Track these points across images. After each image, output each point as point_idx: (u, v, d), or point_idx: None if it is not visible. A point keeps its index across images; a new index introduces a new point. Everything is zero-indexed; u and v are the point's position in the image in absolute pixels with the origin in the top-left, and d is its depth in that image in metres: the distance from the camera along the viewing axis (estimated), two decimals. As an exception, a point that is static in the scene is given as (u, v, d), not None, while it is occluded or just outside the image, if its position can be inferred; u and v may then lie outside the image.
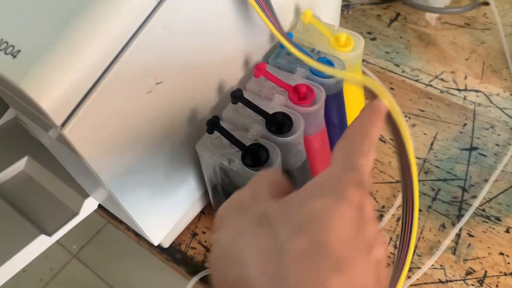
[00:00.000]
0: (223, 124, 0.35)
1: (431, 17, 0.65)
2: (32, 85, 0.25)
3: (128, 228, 0.49)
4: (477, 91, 0.57)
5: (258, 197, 0.24)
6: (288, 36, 0.39)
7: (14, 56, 0.26)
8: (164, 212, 0.41)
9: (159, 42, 0.30)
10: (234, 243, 0.22)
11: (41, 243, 0.44)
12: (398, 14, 0.66)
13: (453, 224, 0.46)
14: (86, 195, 0.46)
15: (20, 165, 0.50)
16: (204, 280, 0.45)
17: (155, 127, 0.34)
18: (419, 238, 0.46)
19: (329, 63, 0.39)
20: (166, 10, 0.29)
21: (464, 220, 0.46)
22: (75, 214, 0.46)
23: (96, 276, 1.31)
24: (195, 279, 0.44)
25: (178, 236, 0.47)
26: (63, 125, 0.27)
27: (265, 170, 0.28)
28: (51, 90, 0.25)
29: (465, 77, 0.58)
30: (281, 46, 0.41)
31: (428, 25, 0.64)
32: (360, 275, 0.21)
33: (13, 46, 0.26)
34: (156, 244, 0.43)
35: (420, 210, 0.48)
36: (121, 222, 0.49)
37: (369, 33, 0.64)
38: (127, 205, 0.36)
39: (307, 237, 0.21)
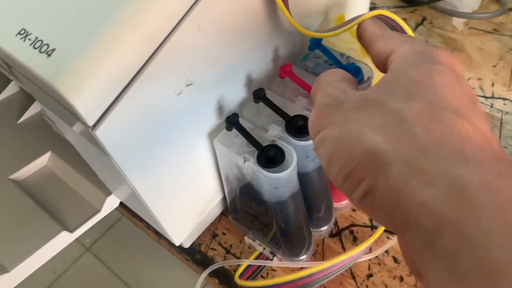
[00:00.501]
0: (242, 122, 0.35)
1: (458, 22, 0.63)
2: (66, 85, 0.25)
3: (148, 226, 0.49)
4: (504, 99, 0.55)
5: (344, 91, 0.24)
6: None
7: (49, 55, 0.26)
8: (186, 213, 0.41)
9: (192, 44, 0.29)
10: (347, 130, 0.21)
11: (63, 239, 0.44)
12: (424, 18, 0.65)
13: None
14: (108, 193, 0.46)
15: (43, 160, 0.51)
16: (215, 274, 0.45)
17: (181, 127, 0.34)
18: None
19: (358, 69, 0.39)
20: (200, 11, 0.28)
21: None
22: (97, 211, 0.46)
23: (108, 270, 1.32)
24: (206, 272, 0.44)
25: (198, 237, 0.47)
26: (94, 125, 0.26)
27: (330, 72, 0.27)
28: (85, 91, 0.25)
29: (492, 84, 0.57)
30: (310, 49, 0.40)
31: (455, 30, 0.63)
32: (480, 122, 0.20)
33: (48, 45, 0.26)
34: (177, 244, 0.43)
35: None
36: (141, 220, 0.49)
37: (394, 36, 0.63)
38: (152, 205, 0.35)
39: (421, 99, 0.21)
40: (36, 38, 0.26)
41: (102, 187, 0.46)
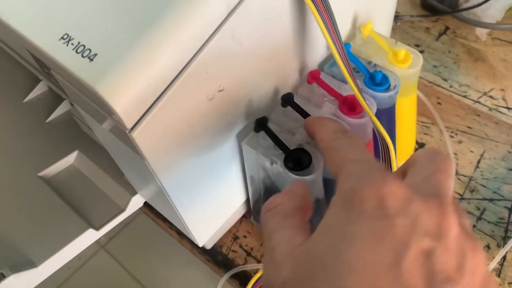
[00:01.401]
0: (270, 125, 0.36)
1: (481, 32, 0.64)
2: (108, 89, 0.26)
3: (171, 226, 0.50)
4: (527, 110, 0.56)
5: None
6: (345, 49, 0.39)
7: (91, 60, 0.27)
8: (211, 214, 0.42)
9: (225, 51, 0.30)
10: None
11: (89, 237, 0.45)
12: (447, 28, 0.65)
13: (499, 246, 0.46)
14: (133, 192, 0.47)
15: (70, 159, 0.52)
16: (235, 276, 0.45)
17: (211, 130, 0.34)
18: (462, 257, 0.45)
19: (385, 77, 0.39)
20: (235, 20, 0.29)
21: (511, 242, 0.45)
22: (122, 210, 0.47)
23: (122, 267, 1.34)
24: (228, 274, 0.44)
25: (220, 239, 0.48)
26: (132, 128, 0.27)
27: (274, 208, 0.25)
28: (125, 95, 0.26)
29: (515, 96, 0.57)
30: (338, 55, 0.41)
31: (478, 40, 0.63)
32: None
33: (90, 50, 0.27)
34: (201, 245, 0.44)
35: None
36: (164, 220, 0.50)
37: (417, 45, 0.64)
38: (180, 206, 0.36)
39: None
40: (79, 43, 0.27)
41: (127, 187, 0.47)
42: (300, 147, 0.35)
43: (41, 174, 0.50)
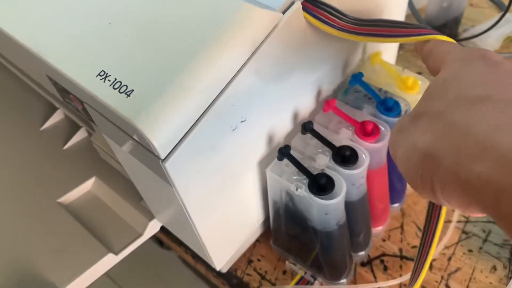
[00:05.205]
0: (292, 152, 0.38)
1: (480, 60, 0.66)
2: (145, 123, 0.28)
3: (186, 251, 0.51)
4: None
5: (404, 117, 0.27)
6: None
7: (128, 95, 0.29)
8: (230, 238, 0.44)
9: (248, 85, 0.32)
10: (407, 145, 0.25)
11: (108, 261, 0.46)
12: (447, 56, 0.68)
13: (505, 267, 0.47)
14: (150, 217, 0.48)
15: (87, 185, 0.53)
16: None
17: (235, 158, 0.36)
18: (470, 278, 0.47)
19: (396, 103, 0.41)
20: (258, 58, 0.31)
21: (516, 263, 0.47)
22: (140, 235, 0.48)
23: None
24: None
25: (235, 262, 0.49)
26: (165, 158, 0.29)
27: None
28: (161, 129, 0.28)
29: (515, 121, 0.59)
30: (350, 83, 0.43)
31: (477, 68, 0.66)
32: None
33: (126, 86, 0.29)
34: (218, 268, 0.45)
35: (470, 251, 0.49)
36: (180, 244, 0.52)
37: (419, 73, 0.66)
38: (201, 230, 0.38)
39: (453, 93, 0.24)
40: (115, 79, 0.29)
41: (144, 212, 0.49)
42: (322, 172, 0.37)
43: (60, 200, 0.52)
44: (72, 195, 0.53)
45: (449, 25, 0.67)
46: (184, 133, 0.29)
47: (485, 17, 0.72)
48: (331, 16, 0.33)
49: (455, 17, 0.66)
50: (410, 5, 0.70)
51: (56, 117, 0.60)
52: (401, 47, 0.69)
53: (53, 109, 0.60)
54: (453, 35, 0.67)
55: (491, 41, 0.65)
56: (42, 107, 0.62)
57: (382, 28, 0.33)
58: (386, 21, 0.33)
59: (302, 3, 0.33)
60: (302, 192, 0.36)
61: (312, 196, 0.36)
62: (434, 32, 0.31)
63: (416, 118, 0.25)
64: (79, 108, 0.37)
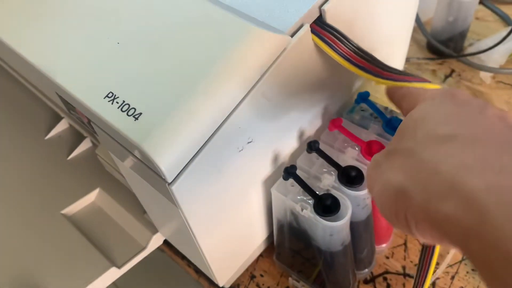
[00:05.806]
0: (298, 172, 0.38)
1: (485, 75, 0.66)
2: (153, 147, 0.28)
3: (189, 264, 0.51)
4: (531, 153, 0.57)
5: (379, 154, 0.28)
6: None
7: (136, 118, 0.29)
8: (233, 254, 0.44)
9: (255, 108, 0.32)
10: (381, 181, 0.25)
11: (112, 275, 0.46)
12: (453, 71, 0.68)
13: None
14: (153, 231, 0.48)
15: (91, 196, 0.53)
16: None
17: (241, 178, 0.36)
18: (473, 298, 0.47)
19: (401, 121, 0.41)
20: (266, 81, 0.31)
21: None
22: (143, 248, 0.48)
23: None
24: None
25: (238, 277, 0.49)
26: (172, 182, 0.29)
27: None
28: (169, 152, 0.28)
29: (520, 138, 0.59)
30: (356, 102, 0.43)
31: (482, 83, 0.66)
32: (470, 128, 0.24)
33: (134, 109, 0.29)
34: (221, 284, 0.45)
35: (474, 270, 0.49)
36: (182, 257, 0.52)
37: (424, 87, 0.66)
38: (205, 247, 0.38)
39: (423, 131, 0.25)
40: (123, 101, 0.30)
41: (148, 225, 0.49)
42: (327, 192, 0.37)
43: (63, 211, 0.52)
44: (76, 207, 0.53)
45: (455, 39, 0.67)
46: (191, 157, 0.29)
47: (490, 31, 0.72)
48: (336, 40, 0.34)
49: (460, 31, 0.66)
50: (416, 18, 0.70)
51: (61, 126, 0.60)
52: (405, 60, 0.69)
53: (58, 118, 0.60)
54: (458, 49, 0.67)
55: (496, 57, 0.65)
56: (47, 115, 0.62)
57: (375, 67, 0.34)
58: (381, 63, 0.34)
59: (311, 25, 0.33)
60: (307, 213, 0.36)
61: (318, 217, 0.36)
62: (426, 80, 0.33)
63: (389, 155, 0.26)
64: (85, 121, 0.37)
